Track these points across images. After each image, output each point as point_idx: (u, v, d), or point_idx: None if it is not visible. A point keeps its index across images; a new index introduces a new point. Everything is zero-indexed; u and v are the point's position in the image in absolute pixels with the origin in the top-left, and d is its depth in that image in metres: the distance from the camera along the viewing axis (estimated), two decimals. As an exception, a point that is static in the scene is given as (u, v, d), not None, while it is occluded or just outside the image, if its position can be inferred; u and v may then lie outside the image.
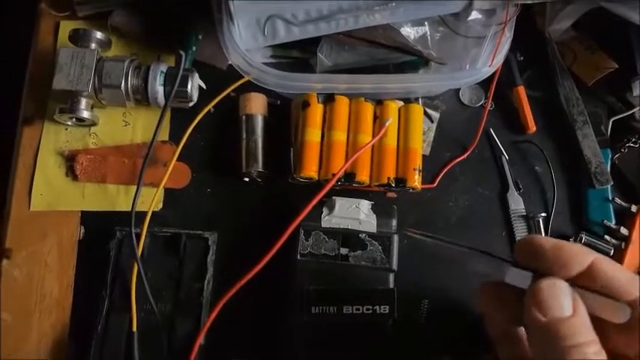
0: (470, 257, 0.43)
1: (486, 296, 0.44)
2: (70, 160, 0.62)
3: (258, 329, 0.58)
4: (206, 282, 0.58)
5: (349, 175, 0.59)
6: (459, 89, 0.67)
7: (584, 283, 0.38)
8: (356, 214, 0.58)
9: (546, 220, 0.63)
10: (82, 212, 0.61)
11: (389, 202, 0.62)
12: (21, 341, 0.57)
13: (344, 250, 0.57)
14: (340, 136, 0.60)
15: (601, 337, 0.36)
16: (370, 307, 0.55)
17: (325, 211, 0.58)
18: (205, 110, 0.62)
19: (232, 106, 0.63)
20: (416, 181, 0.59)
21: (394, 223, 0.58)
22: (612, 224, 0.62)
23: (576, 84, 0.66)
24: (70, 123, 0.62)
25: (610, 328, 0.38)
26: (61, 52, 0.59)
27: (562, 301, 0.37)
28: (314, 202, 0.55)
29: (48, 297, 0.58)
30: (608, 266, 0.38)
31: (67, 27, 0.66)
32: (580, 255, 0.38)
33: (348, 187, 0.60)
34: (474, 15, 0.62)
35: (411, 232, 0.48)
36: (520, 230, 0.63)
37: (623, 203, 0.63)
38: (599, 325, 0.37)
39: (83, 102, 0.60)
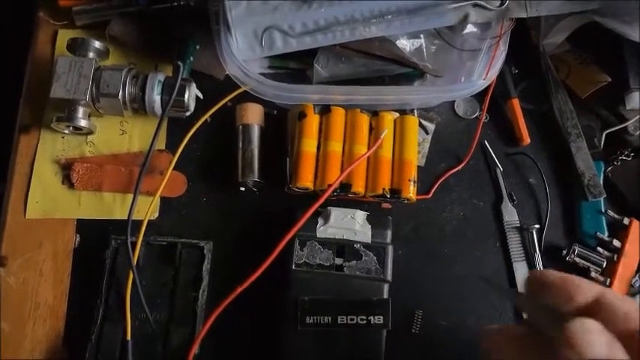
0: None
1: (498, 346, 0.42)
2: (66, 169, 0.62)
3: (252, 339, 0.58)
4: (201, 291, 0.58)
5: (345, 186, 0.59)
6: (454, 101, 0.68)
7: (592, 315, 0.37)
8: (351, 225, 0.58)
9: (540, 232, 0.63)
10: (78, 220, 0.61)
11: (384, 212, 0.63)
12: (15, 349, 0.57)
13: (339, 261, 0.57)
14: (336, 146, 0.60)
15: None
16: (364, 318, 0.55)
17: (320, 221, 0.58)
18: (202, 120, 0.62)
19: (229, 116, 0.64)
20: (411, 192, 0.60)
21: (389, 233, 0.59)
22: (605, 236, 0.62)
23: (570, 97, 0.67)
24: (67, 131, 0.63)
25: None
26: (59, 61, 0.59)
27: (598, 340, 0.36)
28: (309, 212, 0.56)
29: (43, 305, 0.58)
30: (613, 297, 0.38)
31: (65, 36, 0.66)
32: (584, 287, 0.38)
33: (344, 197, 0.61)
34: (470, 28, 0.63)
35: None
36: (514, 241, 0.63)
37: (615, 216, 0.63)
38: None
39: (80, 111, 0.60)
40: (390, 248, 0.58)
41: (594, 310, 0.38)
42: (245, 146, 0.62)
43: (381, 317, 0.55)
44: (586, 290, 0.38)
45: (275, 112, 0.65)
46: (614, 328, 0.37)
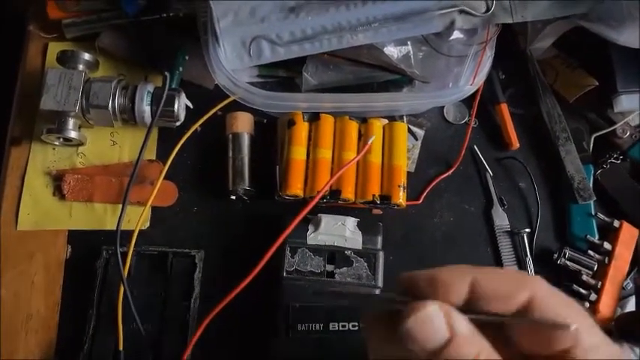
0: None
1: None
2: (57, 180, 0.62)
3: (244, 347, 0.58)
4: (193, 300, 0.58)
5: (335, 193, 0.59)
6: (444, 107, 0.68)
7: (476, 305, 0.33)
8: (341, 231, 0.58)
9: (530, 236, 0.63)
10: (69, 231, 0.61)
11: (374, 219, 0.63)
12: (7, 361, 0.57)
13: (330, 267, 0.57)
14: (325, 154, 0.61)
15: (502, 342, 0.34)
16: (356, 324, 0.55)
17: (311, 228, 0.59)
18: (192, 129, 0.63)
19: (219, 125, 0.64)
20: (401, 197, 0.60)
21: (380, 239, 0.59)
22: (595, 239, 0.63)
23: (558, 101, 0.68)
24: (57, 143, 0.63)
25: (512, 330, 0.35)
26: (48, 73, 0.60)
27: (435, 325, 0.32)
28: (299, 218, 0.56)
29: (35, 316, 0.58)
30: (486, 278, 0.33)
31: (55, 48, 0.66)
32: (455, 277, 0.33)
33: (334, 204, 0.61)
34: (456, 34, 0.64)
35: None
36: (505, 246, 0.63)
37: (605, 218, 0.64)
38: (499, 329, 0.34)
39: (70, 122, 0.60)
40: (381, 254, 0.58)
41: (476, 298, 0.33)
42: (235, 155, 0.62)
43: (373, 323, 0.55)
44: (458, 280, 0.33)
45: (265, 120, 0.65)
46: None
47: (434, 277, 0.34)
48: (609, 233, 0.63)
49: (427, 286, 0.34)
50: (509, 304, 0.33)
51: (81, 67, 0.62)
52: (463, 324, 0.32)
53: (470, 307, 0.33)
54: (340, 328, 0.55)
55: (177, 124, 0.63)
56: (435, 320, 0.32)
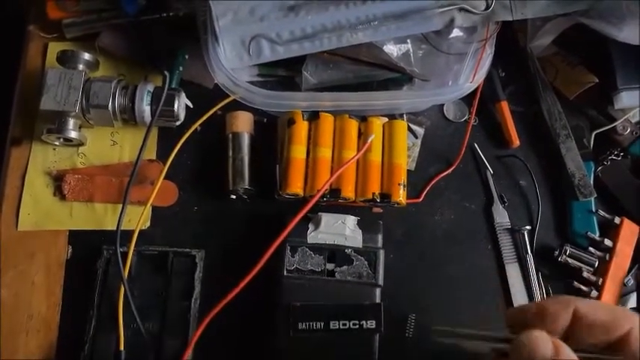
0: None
1: None
2: (57, 180, 0.62)
3: (245, 346, 0.58)
4: (193, 300, 0.58)
5: (335, 191, 0.59)
6: (444, 105, 0.68)
7: (577, 333, 0.39)
8: (342, 230, 0.58)
9: (531, 233, 0.63)
10: (70, 231, 0.61)
11: (375, 217, 0.63)
12: (8, 361, 0.57)
13: (330, 266, 0.57)
14: (325, 152, 0.61)
15: None
16: (357, 322, 0.55)
17: (311, 227, 0.59)
18: (192, 129, 0.63)
19: (219, 125, 0.64)
20: (401, 196, 0.60)
21: (380, 238, 0.59)
22: (596, 236, 0.63)
23: (558, 98, 0.68)
24: (57, 143, 0.63)
25: None
26: (48, 73, 0.60)
27: (543, 346, 0.36)
28: (299, 216, 0.56)
29: (35, 317, 0.58)
30: (590, 308, 0.38)
31: (55, 48, 0.66)
32: (561, 307, 0.39)
33: (334, 203, 0.61)
34: (456, 32, 0.64)
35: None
36: (505, 243, 0.63)
37: (606, 215, 0.63)
38: None
39: (71, 122, 0.60)
40: (382, 252, 0.58)
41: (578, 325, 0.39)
42: (235, 154, 0.62)
43: (374, 322, 0.55)
44: (563, 310, 0.39)
45: (265, 119, 0.65)
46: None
47: (544, 304, 0.40)
48: (610, 230, 0.63)
49: (535, 317, 0.39)
50: (609, 335, 0.37)
51: (81, 66, 0.62)
52: (566, 351, 0.36)
53: (570, 335, 0.38)
54: (341, 327, 0.55)
55: (177, 123, 0.63)
56: (542, 339, 0.36)
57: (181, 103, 0.62)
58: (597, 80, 0.68)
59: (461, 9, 0.61)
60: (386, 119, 0.63)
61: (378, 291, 0.57)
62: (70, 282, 0.60)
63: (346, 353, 0.56)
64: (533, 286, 0.61)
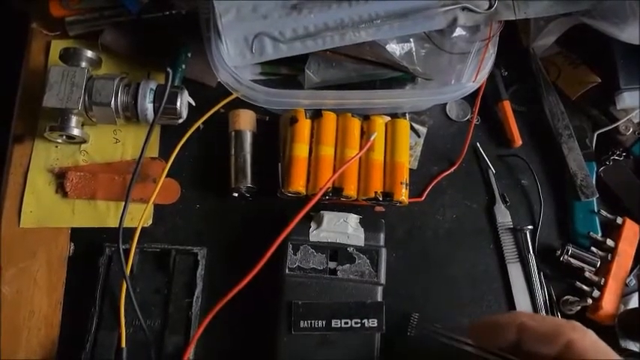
0: None
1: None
2: (60, 177, 0.62)
3: (247, 344, 0.58)
4: (195, 297, 0.58)
5: (337, 190, 0.59)
6: (446, 104, 0.68)
7: (525, 344, 0.42)
8: (344, 228, 0.58)
9: (533, 233, 0.63)
10: (72, 229, 0.61)
11: (377, 216, 0.63)
12: (9, 358, 0.57)
13: (332, 264, 0.57)
14: (328, 151, 0.61)
15: None
16: (359, 321, 0.55)
17: (313, 225, 0.58)
18: (194, 127, 0.63)
19: (221, 123, 0.64)
20: (403, 195, 0.60)
21: (382, 236, 0.59)
22: (598, 236, 0.62)
23: (561, 98, 0.67)
24: (60, 140, 0.63)
25: None
26: (51, 71, 0.60)
27: None
28: (301, 214, 0.56)
29: (37, 314, 0.58)
30: (534, 322, 0.43)
31: (58, 46, 0.66)
32: (509, 320, 0.44)
33: (336, 201, 0.61)
34: (459, 31, 0.64)
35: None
36: (507, 243, 0.63)
37: (608, 215, 0.63)
38: None
39: (73, 120, 0.60)
40: (384, 251, 0.58)
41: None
42: (237, 152, 0.62)
43: (375, 320, 0.55)
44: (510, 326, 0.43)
45: (267, 117, 0.65)
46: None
47: (495, 322, 0.44)
48: (612, 230, 0.63)
49: (488, 330, 0.45)
50: (552, 345, 0.41)
51: (84, 64, 0.62)
52: None
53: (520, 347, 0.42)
54: (343, 325, 0.55)
55: (180, 121, 0.63)
56: None
57: (184, 101, 0.62)
58: (600, 80, 0.68)
59: (464, 8, 0.61)
60: (388, 118, 0.63)
61: (379, 290, 0.57)
62: (72, 279, 0.60)
63: (348, 352, 0.55)
64: (535, 286, 0.61)
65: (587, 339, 0.41)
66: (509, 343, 0.43)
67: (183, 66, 0.64)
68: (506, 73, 0.69)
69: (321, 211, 0.59)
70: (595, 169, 0.66)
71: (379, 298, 0.57)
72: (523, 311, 0.46)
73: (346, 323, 0.55)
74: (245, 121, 0.63)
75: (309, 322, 0.55)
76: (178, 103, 0.61)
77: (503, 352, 0.44)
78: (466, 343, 0.48)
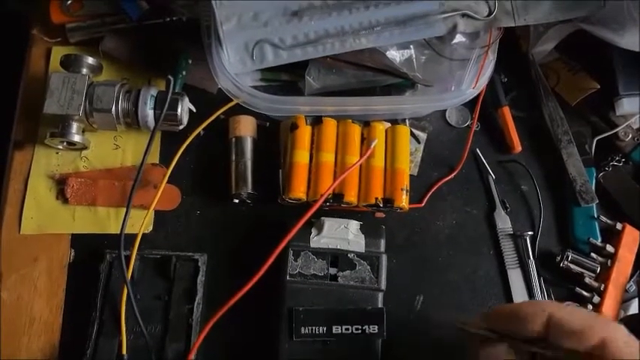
0: None
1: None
2: (60, 184, 0.62)
3: (247, 350, 0.58)
4: (196, 304, 0.58)
5: (337, 196, 0.59)
6: (446, 110, 0.68)
7: (553, 338, 0.40)
8: (344, 235, 0.58)
9: (533, 239, 0.63)
10: (73, 235, 0.61)
11: (377, 222, 0.63)
12: (10, 365, 0.57)
13: (333, 270, 0.57)
14: (328, 157, 0.61)
15: None
16: (359, 327, 0.56)
17: (314, 231, 0.59)
18: (195, 133, 0.63)
19: (222, 129, 0.64)
20: (403, 201, 0.60)
21: (383, 242, 0.59)
22: (598, 242, 0.63)
23: (560, 104, 0.68)
24: (60, 147, 0.63)
25: None
26: (52, 77, 0.60)
27: None
28: (302, 221, 0.56)
29: (37, 320, 0.58)
30: (565, 314, 0.40)
31: (58, 52, 0.67)
32: (535, 310, 0.41)
33: (337, 207, 0.61)
34: (458, 38, 0.64)
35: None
36: (507, 248, 0.63)
37: (608, 221, 0.64)
38: None
39: (74, 126, 0.60)
40: (384, 257, 0.58)
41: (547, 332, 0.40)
42: (238, 158, 0.62)
43: (376, 326, 0.56)
44: (536, 318, 0.40)
45: (267, 124, 0.66)
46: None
47: (517, 310, 0.41)
48: (612, 236, 0.63)
49: (508, 318, 0.42)
50: (582, 342, 0.38)
51: (84, 71, 0.62)
52: None
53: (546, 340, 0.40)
54: (343, 332, 0.55)
55: (181, 127, 0.63)
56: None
57: (185, 108, 0.62)
58: (599, 86, 0.68)
59: (464, 15, 0.61)
60: (389, 124, 0.63)
61: (380, 296, 0.57)
62: (73, 286, 0.60)
63: (349, 358, 0.55)
64: (535, 291, 0.61)
65: (620, 337, 0.39)
66: (532, 334, 0.40)
67: (184, 72, 0.65)
68: (505, 79, 0.70)
69: (322, 218, 0.59)
70: (594, 174, 0.66)
71: (380, 304, 0.57)
72: (549, 300, 0.43)
73: (347, 329, 0.55)
74: (245, 128, 0.63)
75: (310, 328, 0.55)
76: (179, 110, 0.61)
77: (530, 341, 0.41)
78: (490, 330, 0.45)
